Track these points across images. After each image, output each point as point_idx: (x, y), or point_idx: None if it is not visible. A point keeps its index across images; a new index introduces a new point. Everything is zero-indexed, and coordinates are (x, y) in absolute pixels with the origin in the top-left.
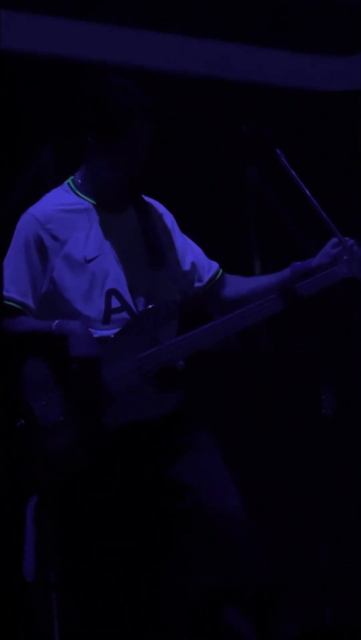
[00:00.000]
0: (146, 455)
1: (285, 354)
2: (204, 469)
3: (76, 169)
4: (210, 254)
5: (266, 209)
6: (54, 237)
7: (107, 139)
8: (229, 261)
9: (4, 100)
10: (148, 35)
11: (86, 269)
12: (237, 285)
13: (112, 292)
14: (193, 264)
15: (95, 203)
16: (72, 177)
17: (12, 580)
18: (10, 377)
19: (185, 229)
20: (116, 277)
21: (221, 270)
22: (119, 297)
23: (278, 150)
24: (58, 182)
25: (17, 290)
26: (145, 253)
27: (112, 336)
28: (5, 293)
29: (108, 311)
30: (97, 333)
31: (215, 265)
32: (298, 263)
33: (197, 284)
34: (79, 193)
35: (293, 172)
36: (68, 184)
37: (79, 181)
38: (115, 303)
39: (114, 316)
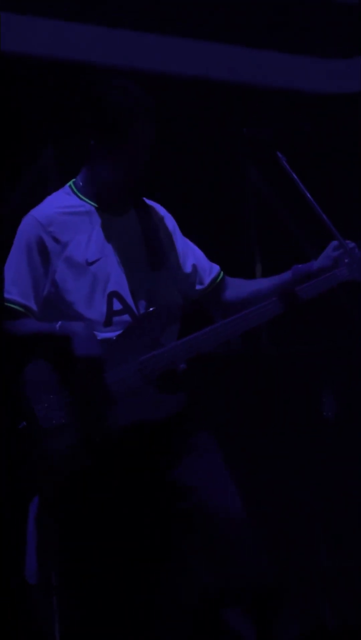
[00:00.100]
0: (148, 457)
1: (286, 356)
2: (205, 470)
3: (77, 171)
4: (211, 256)
5: (266, 211)
6: (56, 240)
7: (109, 141)
8: (230, 263)
9: (4, 102)
10: (148, 38)
11: (88, 272)
12: (238, 287)
13: (114, 295)
14: (194, 267)
15: (96, 205)
16: (73, 180)
17: (13, 582)
18: (11, 379)
19: (186, 230)
20: (117, 279)
21: (222, 273)
22: (121, 299)
23: (278, 153)
24: (59, 185)
25: (20, 293)
26: (146, 255)
27: (114, 338)
28: (7, 295)
29: (110, 314)
30: (99, 335)
31: (216, 267)
32: (300, 266)
33: (198, 287)
34: (80, 195)
35: (293, 174)
36: (70, 186)
37: (81, 184)
38: (117, 305)
39: (115, 319)
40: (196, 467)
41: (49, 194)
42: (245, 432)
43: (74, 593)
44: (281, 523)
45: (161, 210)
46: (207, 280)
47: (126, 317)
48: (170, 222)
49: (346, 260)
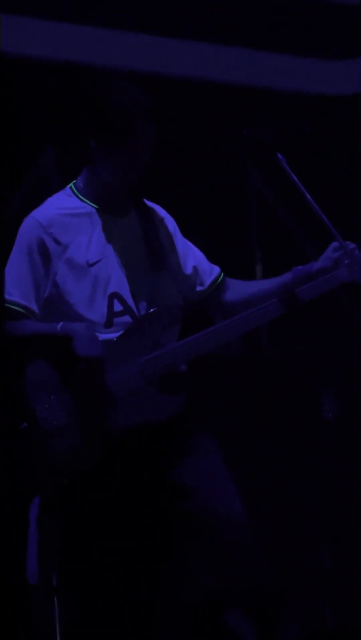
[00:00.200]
0: (148, 458)
1: (286, 357)
2: (205, 471)
3: (78, 172)
4: (211, 257)
5: (266, 212)
6: (57, 241)
7: (109, 142)
8: (231, 264)
9: (5, 104)
10: (149, 39)
11: (89, 273)
12: (238, 289)
13: (115, 296)
14: (195, 268)
15: (97, 207)
16: (74, 181)
17: (13, 582)
18: (13, 380)
19: (186, 231)
20: (118, 280)
21: (222, 274)
22: (122, 300)
23: (279, 155)
24: (60, 186)
25: (21, 294)
26: (147, 257)
27: (115, 340)
28: (8, 297)
29: (111, 315)
30: (100, 337)
31: (216, 269)
32: (300, 267)
33: (198, 288)
34: (81, 197)
35: (294, 176)
36: (70, 188)
37: (82, 185)
38: (117, 307)
39: (116, 320)
40: (197, 468)
41: (50, 195)
42: (245, 433)
43: (75, 593)
44: (281, 524)
45: (161, 211)
46: (207, 282)
47: (126, 318)
48: (170, 223)
49: (346, 262)
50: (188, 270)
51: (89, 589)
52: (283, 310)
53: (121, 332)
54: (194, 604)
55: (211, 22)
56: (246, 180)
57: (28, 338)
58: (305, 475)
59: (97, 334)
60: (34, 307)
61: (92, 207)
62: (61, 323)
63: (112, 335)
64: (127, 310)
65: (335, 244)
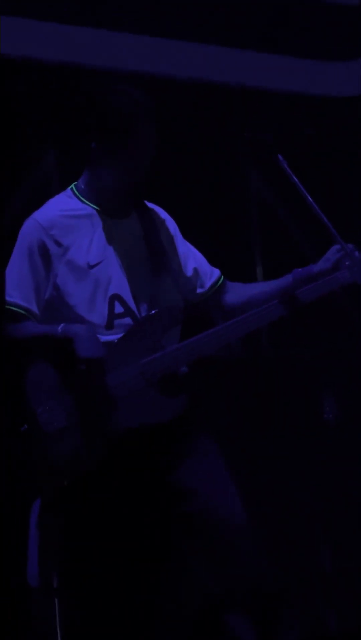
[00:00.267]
0: (149, 460)
1: (286, 358)
2: (206, 473)
3: (79, 174)
4: (212, 258)
5: (267, 213)
6: (58, 243)
7: (111, 144)
8: (231, 265)
9: (6, 105)
10: (149, 41)
11: (89, 275)
12: (238, 291)
13: (116, 298)
14: (195, 270)
15: (98, 209)
16: (75, 183)
17: (14, 584)
18: (13, 382)
19: (187, 233)
20: (119, 282)
21: (222, 277)
22: (123, 302)
23: (279, 156)
24: (61, 188)
25: (21, 296)
26: (148, 259)
27: (116, 341)
28: (9, 298)
29: (111, 317)
30: (101, 338)
31: (217, 271)
32: (300, 269)
33: (199, 290)
34: (82, 199)
35: (294, 177)
36: (72, 189)
37: (83, 187)
38: (118, 308)
39: (117, 322)
40: (197, 469)
41: (51, 197)
42: (246, 435)
43: (76, 595)
44: (282, 525)
45: (162, 213)
46: (208, 284)
47: (127, 320)
48: (171, 225)
49: (347, 263)
50: (189, 272)
51: (89, 590)
52: (283, 311)
53: (122, 333)
54: (195, 605)
55: (211, 23)
56: (246, 182)
57: (29, 340)
58: (306, 476)
59: (98, 335)
60: (34, 308)
61: (93, 208)
62: (61, 325)
63: (112, 337)
64: (128, 312)
65: (336, 247)
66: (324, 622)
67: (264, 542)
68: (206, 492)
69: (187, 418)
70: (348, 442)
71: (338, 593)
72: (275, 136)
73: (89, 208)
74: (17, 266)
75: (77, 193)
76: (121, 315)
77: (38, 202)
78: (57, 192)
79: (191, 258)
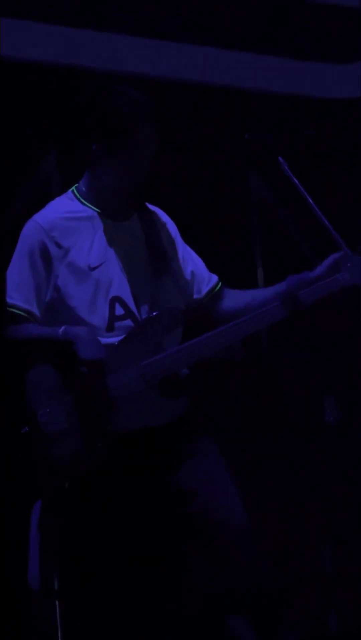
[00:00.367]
0: (150, 461)
1: (287, 360)
2: (206, 475)
3: (80, 176)
4: (212, 261)
5: (268, 216)
6: (58, 245)
7: (111, 146)
8: (232, 268)
9: (6, 108)
10: (150, 43)
11: (90, 277)
12: (234, 298)
13: (116, 300)
14: (193, 275)
15: (99, 211)
16: (76, 185)
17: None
18: (14, 384)
19: (188, 236)
20: (119, 284)
21: (220, 284)
22: (123, 304)
23: (280, 159)
24: (62, 190)
25: (22, 298)
26: (149, 261)
27: (116, 344)
28: (10, 300)
29: (112, 319)
30: (102, 341)
31: (215, 278)
32: (294, 276)
33: (195, 296)
34: (83, 201)
35: (295, 180)
36: (72, 191)
37: (84, 189)
38: (119, 311)
39: (118, 324)
40: (198, 470)
41: (52, 199)
42: (246, 436)
43: (76, 596)
44: (283, 528)
45: (163, 216)
46: (204, 290)
47: (128, 322)
48: (172, 228)
49: (348, 265)
50: (187, 276)
51: (90, 591)
52: (285, 313)
53: (123, 336)
54: (195, 605)
55: (211, 25)
56: (247, 184)
57: (29, 341)
58: (306, 476)
59: (98, 338)
60: (35, 310)
61: (94, 210)
62: (62, 327)
63: (113, 339)
64: (128, 314)
65: (334, 256)
66: (324, 623)
67: (265, 543)
68: (206, 493)
69: (188, 420)
70: (348, 443)
71: (338, 593)
72: (276, 138)
73: (90, 210)
74: (18, 268)
75: (78, 195)
76: (121, 318)
77: (38, 203)
78: (58, 193)
79: (190, 262)
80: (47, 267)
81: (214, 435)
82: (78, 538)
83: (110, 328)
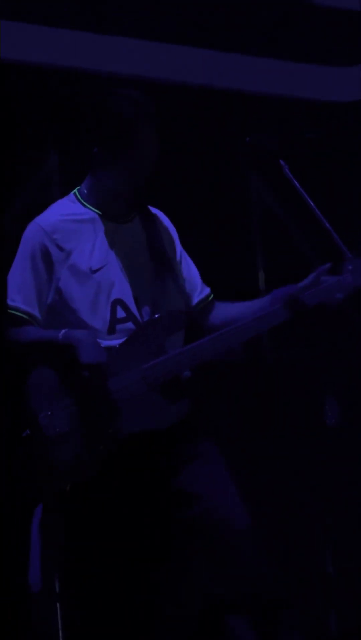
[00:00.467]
0: (151, 464)
1: (287, 360)
2: (208, 478)
3: (81, 178)
4: (213, 264)
5: (269, 218)
6: (60, 247)
7: (113, 149)
8: (233, 270)
9: (7, 110)
10: (150, 46)
11: (92, 279)
12: (222, 311)
13: (118, 302)
14: (186, 282)
15: (100, 213)
16: (78, 188)
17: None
18: (15, 387)
19: (189, 239)
20: (121, 287)
21: (212, 296)
22: (125, 307)
23: (281, 162)
24: (63, 192)
25: (24, 300)
26: (150, 263)
27: (118, 346)
28: (11, 302)
29: (113, 321)
30: (103, 343)
31: (207, 289)
32: (279, 289)
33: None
34: (85, 203)
35: (296, 182)
36: (74, 194)
37: (85, 191)
38: (120, 313)
39: (119, 326)
40: (199, 474)
41: (52, 200)
42: (247, 437)
43: (78, 600)
44: (283, 528)
45: (164, 219)
46: (195, 300)
47: (129, 325)
48: (173, 232)
49: (350, 267)
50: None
51: (91, 593)
52: (287, 316)
53: (124, 338)
54: (196, 607)
55: (212, 28)
56: (248, 187)
57: (30, 345)
58: (307, 477)
59: (99, 340)
60: (36, 313)
61: (96, 213)
62: (62, 330)
63: (115, 342)
64: (130, 316)
65: (322, 268)
66: (324, 623)
67: (266, 543)
68: (207, 495)
69: (189, 423)
70: (348, 443)
71: (338, 593)
72: (277, 141)
73: (92, 213)
74: (20, 270)
75: (79, 198)
76: (123, 320)
77: (39, 204)
78: (59, 194)
79: (185, 270)
80: (49, 269)
81: (214, 437)
82: (79, 540)
83: (111, 330)
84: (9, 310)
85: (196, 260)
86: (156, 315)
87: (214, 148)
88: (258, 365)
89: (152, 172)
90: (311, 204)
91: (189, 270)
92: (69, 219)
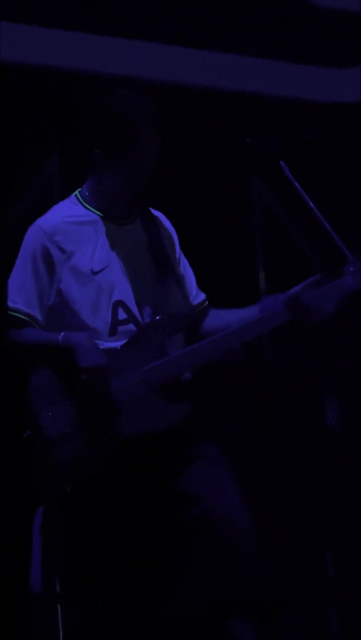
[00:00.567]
0: (152, 466)
1: (287, 361)
2: (209, 479)
3: (82, 180)
4: (214, 266)
5: (269, 219)
6: (61, 249)
7: (114, 150)
8: (233, 272)
9: (8, 112)
10: (151, 47)
11: (93, 281)
12: (215, 319)
13: (119, 304)
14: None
15: (102, 215)
16: (79, 189)
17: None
18: (16, 388)
19: (189, 241)
20: (122, 288)
21: (206, 302)
22: (126, 308)
23: (282, 163)
24: (63, 194)
25: (25, 302)
26: (152, 265)
27: (119, 348)
28: (12, 304)
29: (115, 323)
30: (104, 345)
31: (202, 296)
32: (267, 298)
33: None
34: (86, 205)
35: (296, 184)
36: (76, 195)
37: (86, 193)
38: (121, 315)
39: (120, 328)
40: (200, 475)
41: (53, 203)
42: (247, 438)
43: (78, 601)
44: (284, 529)
45: (165, 221)
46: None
47: (130, 327)
48: (173, 234)
49: (351, 269)
50: None
51: (92, 595)
52: (289, 318)
53: (125, 340)
54: (196, 608)
55: (212, 29)
56: (248, 188)
57: (31, 347)
58: (307, 477)
59: (101, 342)
60: (37, 314)
61: (97, 215)
62: (62, 333)
63: (116, 343)
64: (131, 318)
65: (313, 278)
66: (325, 624)
67: (266, 544)
68: (207, 496)
69: (190, 424)
70: (349, 443)
71: (339, 594)
72: (278, 142)
73: (93, 214)
74: (21, 272)
75: (81, 199)
76: (124, 322)
77: (40, 205)
78: (59, 195)
79: (182, 274)
80: (50, 271)
81: (215, 438)
82: (80, 542)
83: (112, 332)
84: (9, 312)
85: (196, 260)
86: (157, 317)
87: (215, 149)
88: (258, 366)
89: (153, 173)
90: (312, 205)
91: (185, 274)
92: (70, 220)
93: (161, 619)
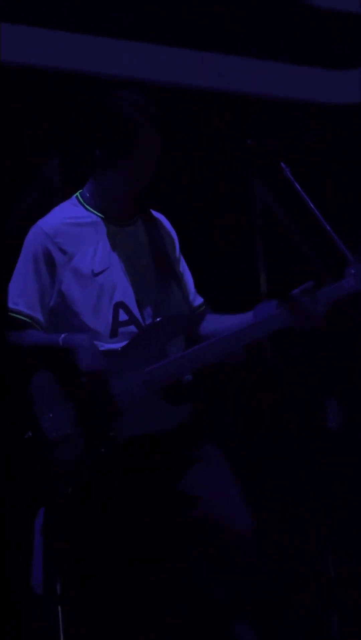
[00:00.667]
0: (153, 467)
1: (287, 362)
2: (210, 481)
3: (82, 182)
4: (215, 266)
5: (270, 221)
6: (62, 251)
7: (115, 152)
8: (234, 273)
9: (9, 113)
10: (152, 48)
11: (94, 282)
12: (212, 323)
13: (120, 305)
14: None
15: (103, 216)
16: (80, 191)
17: (18, 591)
18: (17, 390)
19: (190, 242)
20: (123, 290)
21: (204, 306)
22: (127, 310)
23: (282, 164)
24: (64, 195)
25: (26, 303)
26: (153, 266)
27: (120, 349)
28: (13, 306)
29: (116, 324)
30: (105, 346)
31: (199, 299)
32: (261, 304)
33: None
34: (87, 206)
35: (297, 185)
36: (77, 197)
37: (87, 195)
38: (123, 316)
39: (121, 329)
40: (201, 477)
41: (54, 204)
42: (248, 439)
43: (79, 603)
44: (285, 529)
45: (166, 223)
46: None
47: (131, 328)
48: (174, 236)
49: (352, 271)
50: None
51: (93, 596)
52: (290, 320)
53: (126, 341)
54: (197, 608)
55: (212, 31)
56: (249, 189)
57: (32, 348)
58: (308, 479)
59: (101, 343)
60: (39, 316)
61: (98, 216)
62: (62, 335)
63: (117, 345)
64: (132, 319)
65: (306, 284)
66: (326, 624)
67: (267, 544)
68: (208, 497)
69: (191, 426)
70: (349, 444)
71: (339, 595)
72: (279, 144)
73: (94, 216)
74: (22, 273)
75: (82, 201)
76: (125, 323)
77: (41, 206)
78: (59, 197)
79: (181, 275)
80: (51, 272)
81: (216, 439)
82: (81, 542)
83: (114, 334)
84: (10, 314)
85: (197, 261)
86: (158, 319)
87: (215, 150)
88: (259, 367)
89: (154, 174)
90: (312, 206)
91: (184, 276)
92: (71, 222)
93: (161, 619)
